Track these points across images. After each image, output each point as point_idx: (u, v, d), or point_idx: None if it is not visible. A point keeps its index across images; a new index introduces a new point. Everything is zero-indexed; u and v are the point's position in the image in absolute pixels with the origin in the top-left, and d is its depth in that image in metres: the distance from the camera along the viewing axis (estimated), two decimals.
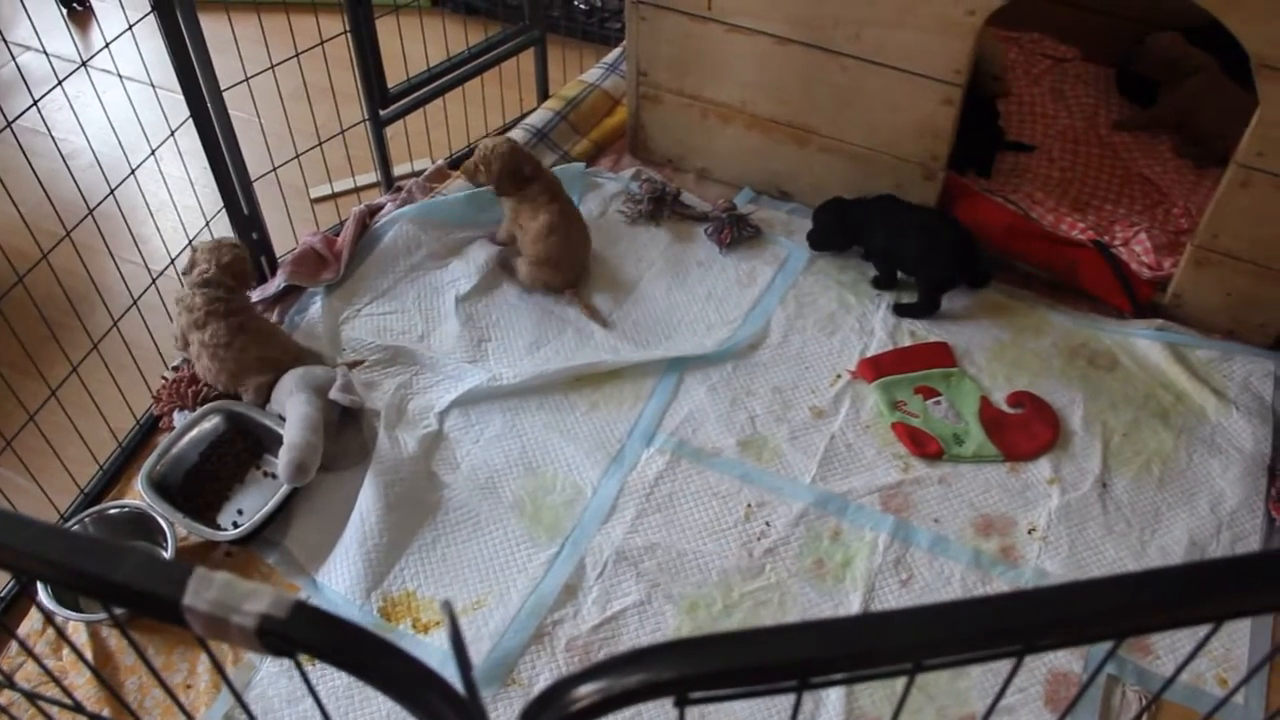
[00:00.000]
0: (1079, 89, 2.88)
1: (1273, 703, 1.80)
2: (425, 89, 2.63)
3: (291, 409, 1.99)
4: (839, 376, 2.28)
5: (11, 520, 0.72)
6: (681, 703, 0.65)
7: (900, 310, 2.39)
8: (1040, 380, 2.26)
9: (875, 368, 2.26)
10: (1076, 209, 2.54)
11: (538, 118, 2.80)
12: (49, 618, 0.92)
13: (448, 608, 0.61)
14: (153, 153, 2.10)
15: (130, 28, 1.98)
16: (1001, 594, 0.63)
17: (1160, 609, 0.68)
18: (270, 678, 1.80)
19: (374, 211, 2.55)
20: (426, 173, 2.67)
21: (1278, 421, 2.19)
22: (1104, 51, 2.95)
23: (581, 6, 3.29)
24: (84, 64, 1.91)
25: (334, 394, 2.04)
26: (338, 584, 1.91)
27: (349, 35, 2.37)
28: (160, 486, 2.00)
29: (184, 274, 2.13)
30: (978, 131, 2.59)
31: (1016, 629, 0.63)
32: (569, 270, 2.40)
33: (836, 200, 2.46)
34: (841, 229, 2.45)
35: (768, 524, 2.02)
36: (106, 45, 1.96)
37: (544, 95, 2.96)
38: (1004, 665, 1.79)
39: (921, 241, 2.35)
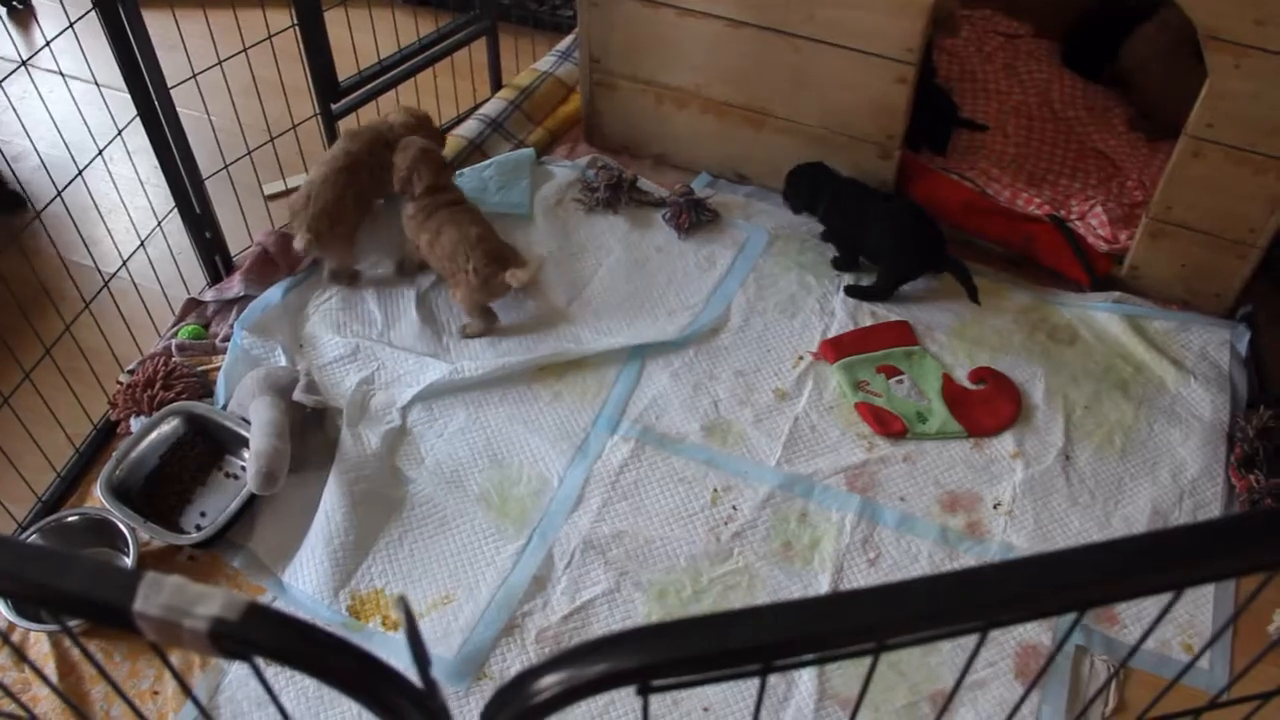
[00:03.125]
0: (1031, 65, 2.89)
1: (1237, 666, 1.82)
2: (377, 81, 2.60)
3: (255, 413, 1.97)
4: (801, 358, 2.28)
5: None
6: (644, 690, 0.64)
7: (853, 292, 2.39)
8: (1001, 356, 2.27)
9: (837, 348, 2.27)
10: (1032, 184, 2.55)
11: (492, 107, 2.78)
12: (2, 633, 0.90)
13: (403, 603, 0.60)
14: (100, 153, 2.06)
15: (71, 25, 1.94)
16: (961, 570, 0.63)
17: (1118, 580, 0.68)
18: (239, 680, 1.78)
19: None
20: None
21: (1235, 390, 2.22)
22: (1055, 26, 2.96)
23: None
24: (24, 63, 1.88)
25: (298, 395, 2.02)
26: (304, 584, 1.89)
27: (297, 29, 2.34)
28: (120, 492, 1.97)
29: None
30: (932, 110, 2.60)
31: (978, 605, 0.63)
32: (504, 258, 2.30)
33: (817, 166, 2.45)
34: (801, 195, 2.45)
35: (734, 508, 2.02)
36: (47, 44, 1.92)
37: (497, 85, 2.94)
38: (973, 640, 1.81)
39: (890, 233, 2.35)
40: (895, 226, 2.35)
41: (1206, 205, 2.22)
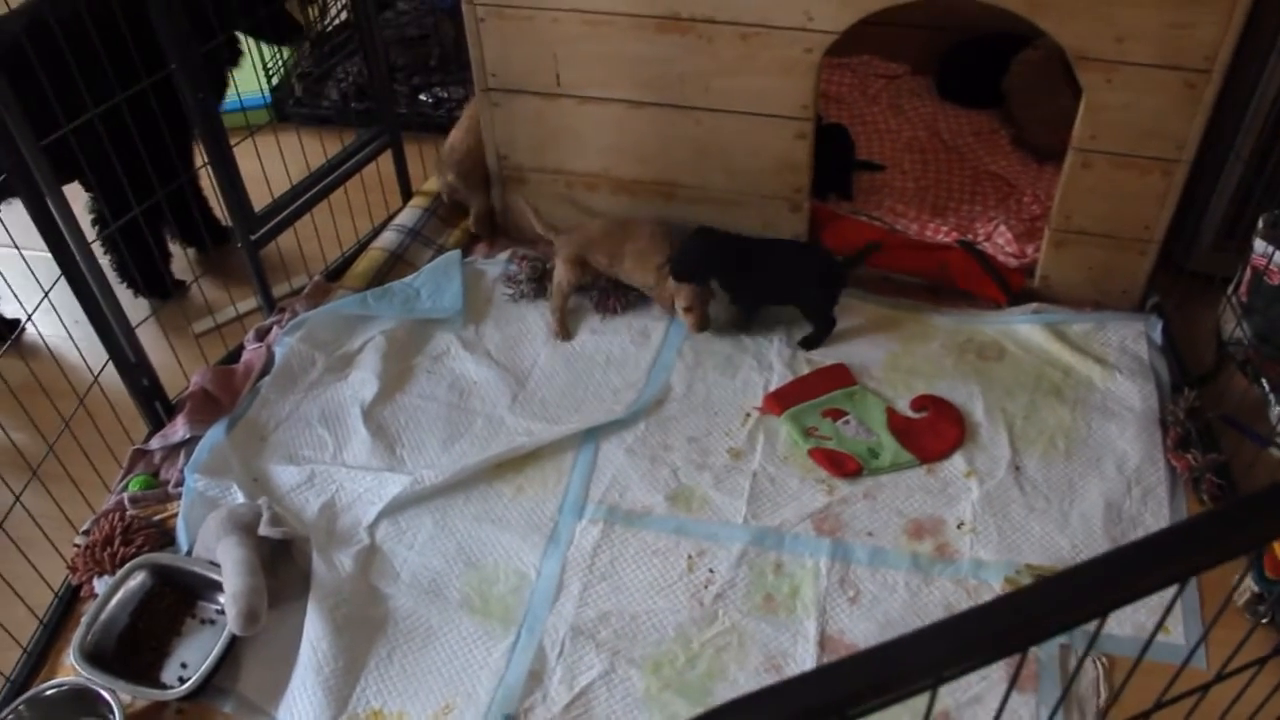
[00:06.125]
0: (915, 102, 3.03)
1: (1210, 637, 1.89)
2: (291, 206, 2.62)
3: (225, 554, 1.95)
4: (748, 415, 2.33)
5: None
6: None
7: (807, 343, 2.46)
8: (937, 381, 2.36)
9: (780, 400, 2.33)
10: (937, 214, 2.67)
11: (407, 216, 2.81)
12: None
13: None
14: (29, 318, 2.05)
15: None
16: (999, 598, 0.68)
17: (1132, 579, 0.73)
18: None
19: (262, 334, 2.53)
20: (307, 289, 2.65)
21: (1159, 377, 2.33)
22: (930, 63, 3.11)
23: (428, 100, 3.32)
24: None
25: (263, 530, 2.01)
26: (302, 718, 1.87)
27: (210, 167, 2.36)
28: (94, 656, 1.93)
29: None
30: (829, 158, 2.70)
31: (1019, 626, 0.68)
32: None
33: (706, 230, 2.47)
34: (706, 264, 2.44)
35: (711, 571, 2.05)
36: None
37: (408, 194, 2.97)
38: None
39: (791, 273, 2.43)
40: (791, 264, 2.43)
41: (1102, 210, 2.35)
